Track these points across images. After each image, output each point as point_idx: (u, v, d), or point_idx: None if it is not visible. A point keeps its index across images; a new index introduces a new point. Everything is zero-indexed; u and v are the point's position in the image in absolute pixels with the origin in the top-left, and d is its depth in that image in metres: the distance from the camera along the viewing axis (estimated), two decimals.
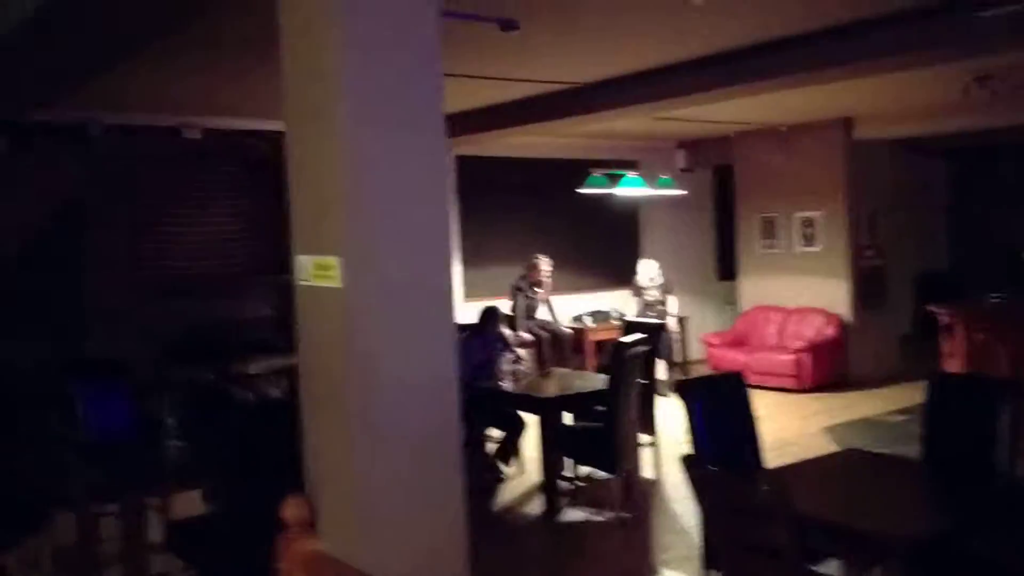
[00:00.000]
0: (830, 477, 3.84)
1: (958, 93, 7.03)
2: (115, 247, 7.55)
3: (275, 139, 7.32)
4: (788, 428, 7.51)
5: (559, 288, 9.83)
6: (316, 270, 2.39)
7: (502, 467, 6.51)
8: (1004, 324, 6.51)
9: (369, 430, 2.39)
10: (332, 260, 2.32)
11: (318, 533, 2.47)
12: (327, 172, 2.37)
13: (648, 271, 9.64)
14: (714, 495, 3.25)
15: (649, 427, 6.36)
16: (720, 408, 4.23)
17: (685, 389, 4.26)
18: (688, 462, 3.36)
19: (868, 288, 9.76)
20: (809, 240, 9.90)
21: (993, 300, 7.17)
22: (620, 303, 10.22)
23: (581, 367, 9.37)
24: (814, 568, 3.62)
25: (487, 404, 6.30)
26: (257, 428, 4.56)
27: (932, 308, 7.10)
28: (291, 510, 2.42)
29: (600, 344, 9.68)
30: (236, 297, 8.02)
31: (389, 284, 2.38)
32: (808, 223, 9.90)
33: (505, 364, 6.39)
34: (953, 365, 6.64)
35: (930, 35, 5.18)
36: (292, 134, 2.54)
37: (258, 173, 8.16)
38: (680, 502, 5.56)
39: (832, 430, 7.34)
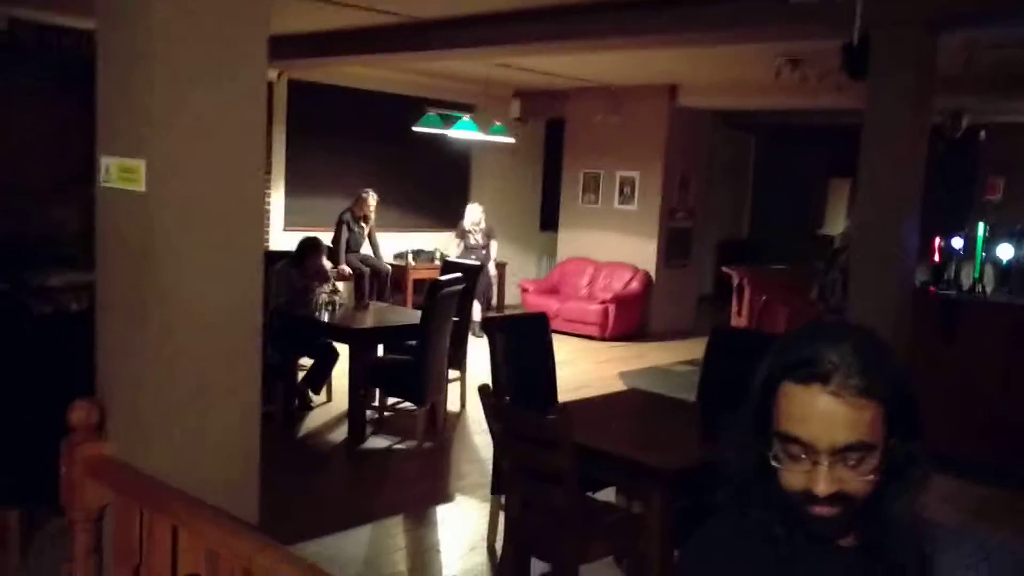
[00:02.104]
0: (612, 413, 4.15)
1: (771, 73, 7.52)
2: None
3: (94, 39, 6.87)
4: (588, 371, 7.96)
5: (385, 224, 9.85)
6: (120, 172, 2.34)
7: (311, 395, 6.55)
8: (784, 289, 7.15)
9: (168, 339, 2.39)
10: (137, 163, 2.28)
11: (106, 437, 2.46)
12: (137, 70, 2.31)
13: (473, 215, 9.81)
14: (505, 423, 3.46)
15: (459, 363, 6.58)
16: (522, 346, 4.46)
17: (491, 326, 4.45)
18: (484, 392, 3.55)
19: (675, 248, 10.37)
20: (627, 198, 10.38)
21: (777, 268, 7.83)
22: (443, 244, 10.36)
23: (400, 304, 9.47)
24: (593, 495, 3.94)
25: (301, 333, 6.30)
26: (51, 339, 4.39)
27: (726, 269, 7.67)
28: (78, 413, 2.39)
29: (420, 283, 9.81)
30: (41, 206, 7.53)
31: (195, 194, 2.36)
32: (628, 182, 10.36)
33: (322, 295, 6.39)
34: (740, 322, 7.23)
35: (743, 14, 5.55)
36: (103, 24, 2.45)
37: (73, 75, 7.63)
38: (481, 434, 5.82)
39: (625, 375, 7.84)
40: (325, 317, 6.25)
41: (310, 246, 6.58)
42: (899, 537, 1.19)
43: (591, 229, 10.69)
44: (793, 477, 1.12)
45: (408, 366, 5.89)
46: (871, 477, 1.11)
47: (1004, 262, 6.52)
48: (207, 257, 2.43)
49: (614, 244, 10.40)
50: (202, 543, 2.03)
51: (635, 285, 10.02)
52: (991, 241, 6.73)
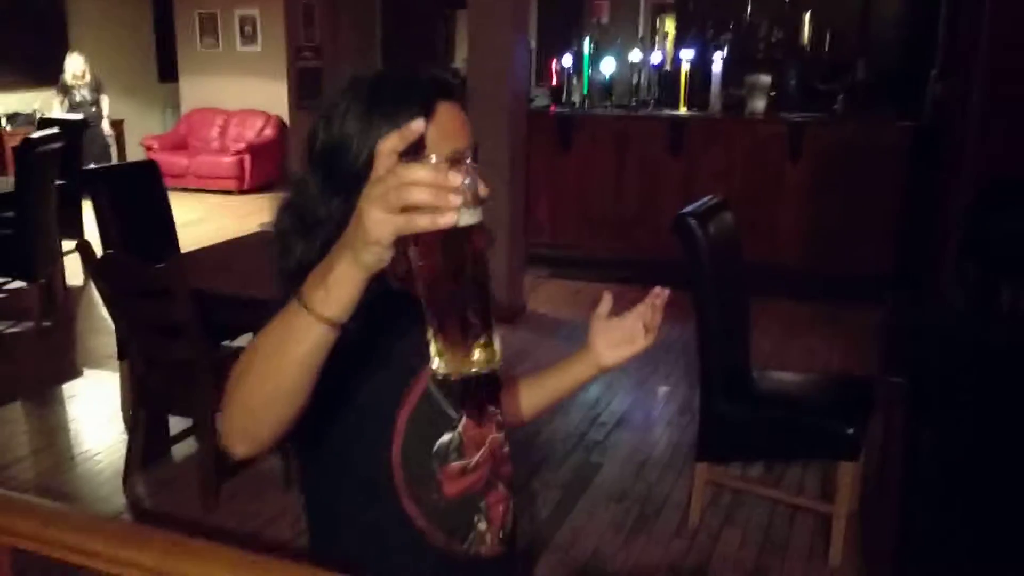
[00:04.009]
0: (241, 255, 3.96)
1: None
2: None
3: None
4: (226, 228, 7.57)
5: None
6: None
7: None
8: None
9: None
10: None
11: None
12: None
13: (74, 67, 8.67)
14: (111, 280, 3.16)
15: (75, 232, 5.90)
16: (132, 198, 4.07)
17: (91, 179, 4.00)
18: (84, 249, 3.19)
19: (307, 90, 9.97)
20: (249, 39, 9.74)
21: None
22: (44, 103, 9.10)
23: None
24: (230, 343, 3.79)
25: None
26: None
27: None
28: None
29: None
30: None
31: None
32: (248, 21, 9.70)
33: None
34: None
35: None
36: None
37: None
38: None
39: (268, 225, 7.58)
40: None
41: None
42: None
43: (216, 75, 9.95)
44: None
45: (8, 240, 5.18)
46: None
47: (607, 77, 7.03)
48: None
49: (242, 90, 9.80)
50: None
51: (269, 132, 9.59)
52: (596, 58, 7.21)
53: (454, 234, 0.82)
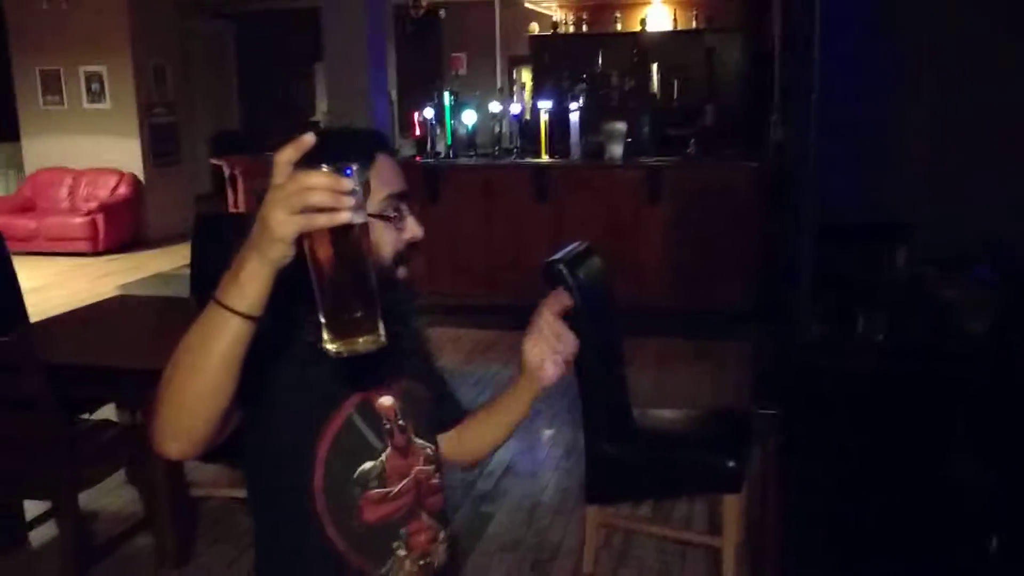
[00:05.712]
0: (97, 323, 3.75)
1: None
2: None
3: None
4: (82, 291, 7.18)
5: None
6: None
7: None
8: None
9: None
10: None
11: None
12: None
13: None
14: None
15: None
16: None
17: None
18: None
19: (161, 146, 9.67)
20: (97, 96, 9.36)
21: (271, 156, 7.69)
22: None
23: None
24: (88, 416, 3.55)
25: None
26: None
27: (214, 161, 7.36)
28: None
29: None
30: None
31: None
32: (95, 78, 9.33)
33: None
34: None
35: None
36: None
37: None
38: None
39: (126, 287, 7.24)
40: None
41: None
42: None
43: (62, 134, 9.50)
44: (390, 239, 1.25)
45: None
46: None
47: (469, 127, 7.10)
48: None
49: (92, 148, 9.37)
50: None
51: (123, 190, 9.19)
52: (457, 110, 7.28)
53: (345, 231, 0.92)
